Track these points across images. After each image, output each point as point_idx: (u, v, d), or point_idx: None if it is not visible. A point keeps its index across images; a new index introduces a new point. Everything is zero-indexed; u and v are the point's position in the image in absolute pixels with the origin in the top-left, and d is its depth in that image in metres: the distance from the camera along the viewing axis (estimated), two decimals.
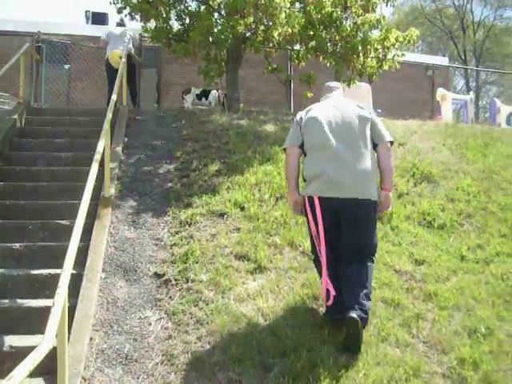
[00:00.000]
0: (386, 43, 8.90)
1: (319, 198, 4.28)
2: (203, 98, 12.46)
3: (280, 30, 7.76)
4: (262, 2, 7.43)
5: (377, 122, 4.50)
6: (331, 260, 4.27)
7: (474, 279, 5.35)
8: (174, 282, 4.99)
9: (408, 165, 7.56)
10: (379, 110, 12.72)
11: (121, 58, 9.13)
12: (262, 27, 8.01)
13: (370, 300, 4.25)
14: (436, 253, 5.72)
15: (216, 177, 6.87)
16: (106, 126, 6.25)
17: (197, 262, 5.20)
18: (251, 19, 7.87)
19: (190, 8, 9.33)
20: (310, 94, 9.83)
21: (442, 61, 19.67)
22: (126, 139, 7.78)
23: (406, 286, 5.13)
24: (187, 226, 5.85)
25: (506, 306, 4.98)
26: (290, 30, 7.84)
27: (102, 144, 5.83)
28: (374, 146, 4.45)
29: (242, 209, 6.14)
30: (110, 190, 6.39)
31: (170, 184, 6.75)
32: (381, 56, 9.29)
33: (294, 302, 4.70)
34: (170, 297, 4.83)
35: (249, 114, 9.33)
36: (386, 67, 9.40)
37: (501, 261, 5.74)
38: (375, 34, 9.17)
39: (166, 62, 14.83)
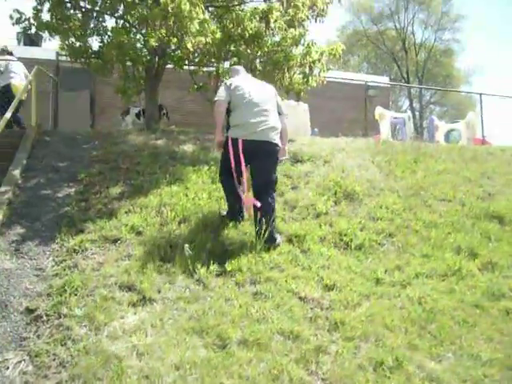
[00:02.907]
0: (308, 58, 8.51)
1: (242, 140, 5.59)
2: (141, 118, 11.91)
3: (193, 41, 7.28)
4: (171, 11, 6.96)
5: (278, 97, 6.16)
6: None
7: (388, 304, 4.86)
8: (45, 318, 4.35)
9: (330, 183, 7.12)
10: (316, 130, 12.41)
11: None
12: (174, 39, 7.52)
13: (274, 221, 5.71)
14: (349, 276, 5.22)
15: (117, 200, 6.29)
16: None
17: (75, 295, 4.58)
18: (163, 31, 7.39)
19: (105, 24, 8.80)
20: None
21: (383, 80, 19.61)
22: (25, 162, 7.14)
23: (310, 314, 4.58)
24: (74, 254, 5.24)
25: (420, 333, 4.49)
26: (203, 40, 7.36)
27: None
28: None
29: (139, 233, 5.57)
30: None
31: (66, 209, 6.14)
32: (307, 71, 8.90)
33: (176, 339, 4.11)
34: (38, 335, 4.20)
35: (169, 133, 8.80)
36: (313, 84, 9.00)
37: (419, 283, 5.27)
38: (300, 49, 8.79)
39: (102, 83, 14.23)
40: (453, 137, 13.15)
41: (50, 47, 13.09)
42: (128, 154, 7.63)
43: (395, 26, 37.40)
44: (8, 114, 7.06)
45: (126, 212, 6.01)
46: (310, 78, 8.90)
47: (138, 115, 12.22)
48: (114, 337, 4.09)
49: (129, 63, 8.44)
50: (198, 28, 7.27)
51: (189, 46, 7.31)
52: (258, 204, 5.49)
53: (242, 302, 4.62)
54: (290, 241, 5.73)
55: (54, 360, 3.91)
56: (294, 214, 6.37)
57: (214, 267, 5.11)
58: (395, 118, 13.60)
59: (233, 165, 5.61)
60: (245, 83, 5.94)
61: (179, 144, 8.18)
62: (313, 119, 12.80)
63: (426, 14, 37.37)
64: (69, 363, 3.85)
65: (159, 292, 4.67)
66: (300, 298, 4.79)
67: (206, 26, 7.39)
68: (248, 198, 5.73)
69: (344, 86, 15.58)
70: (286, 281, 4.98)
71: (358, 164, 7.98)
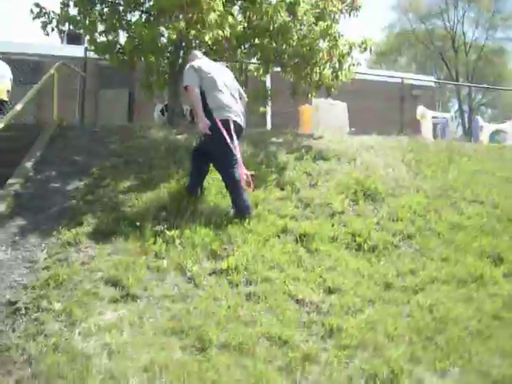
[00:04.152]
0: (336, 51, 8.11)
1: (233, 120, 5.81)
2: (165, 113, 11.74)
3: (211, 34, 7.02)
4: (188, 1, 6.72)
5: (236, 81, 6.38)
6: None
7: (394, 311, 4.45)
8: (23, 312, 4.16)
9: (351, 181, 6.71)
10: (353, 129, 11.97)
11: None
12: (193, 32, 7.28)
13: None
14: (355, 279, 4.83)
15: (123, 194, 6.09)
16: None
17: (58, 288, 4.39)
18: (182, 23, 7.16)
19: (129, 18, 8.61)
20: (263, 110, 9.17)
21: (428, 79, 18.90)
22: (39, 154, 7.05)
23: (305, 319, 4.23)
24: (68, 246, 5.05)
25: (425, 344, 4.07)
26: (221, 33, 7.09)
27: None
28: None
29: (138, 228, 5.33)
30: None
31: (72, 201, 5.98)
32: (336, 66, 8.51)
33: (153, 338, 3.85)
34: (14, 329, 4.01)
35: (191, 128, 8.58)
36: (343, 78, 8.59)
37: (433, 289, 4.84)
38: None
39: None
40: (498, 138, 12.48)
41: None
42: (145, 148, 7.44)
43: (444, 24, 36.20)
44: (19, 106, 6.98)
45: (129, 206, 5.80)
46: (340, 73, 8.50)
47: (162, 111, 12.10)
48: (87, 334, 3.86)
49: (152, 58, 8.25)
50: (216, 19, 6.99)
51: (206, 38, 7.05)
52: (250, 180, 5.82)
53: (232, 302, 4.32)
54: (296, 240, 5.38)
55: (22, 355, 3.70)
56: (306, 213, 6.02)
57: (208, 265, 4.83)
58: (437, 117, 13.01)
59: (229, 141, 5.68)
60: (211, 67, 6.05)
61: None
62: (353, 120, 12.38)
63: (477, 12, 36.07)
64: (35, 360, 3.64)
65: (145, 289, 4.42)
66: (297, 301, 4.45)
67: (225, 18, 7.09)
68: (243, 172, 5.77)
69: (386, 85, 15.07)
70: (284, 282, 4.65)
71: (385, 162, 7.54)
